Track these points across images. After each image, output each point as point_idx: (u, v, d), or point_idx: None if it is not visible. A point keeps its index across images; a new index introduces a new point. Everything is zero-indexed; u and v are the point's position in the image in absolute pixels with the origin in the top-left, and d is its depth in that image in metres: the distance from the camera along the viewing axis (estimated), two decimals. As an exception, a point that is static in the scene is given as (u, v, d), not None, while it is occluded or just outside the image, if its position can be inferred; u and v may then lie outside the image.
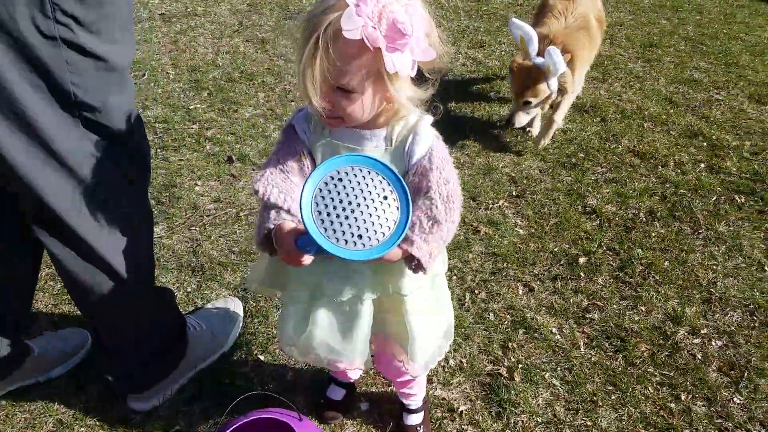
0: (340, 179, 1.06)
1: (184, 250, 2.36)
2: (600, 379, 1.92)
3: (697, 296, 2.21)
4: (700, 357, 1.98)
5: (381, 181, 1.08)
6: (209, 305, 2.08)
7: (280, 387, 1.87)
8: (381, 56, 1.10)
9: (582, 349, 2.01)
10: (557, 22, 2.99)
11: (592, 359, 1.98)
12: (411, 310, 1.38)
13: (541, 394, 1.87)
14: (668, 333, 2.06)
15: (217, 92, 3.47)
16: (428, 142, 1.22)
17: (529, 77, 2.83)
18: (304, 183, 1.06)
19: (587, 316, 2.13)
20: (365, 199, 1.06)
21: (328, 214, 1.04)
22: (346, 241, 1.04)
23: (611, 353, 2.00)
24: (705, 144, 3.12)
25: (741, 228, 2.54)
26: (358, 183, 1.07)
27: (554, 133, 3.06)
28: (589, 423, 1.79)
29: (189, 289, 2.19)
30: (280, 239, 1.19)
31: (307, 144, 1.29)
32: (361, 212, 1.04)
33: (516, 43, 2.86)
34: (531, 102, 2.90)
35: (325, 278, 1.35)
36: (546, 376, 1.93)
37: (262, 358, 1.95)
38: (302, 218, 1.04)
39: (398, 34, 1.13)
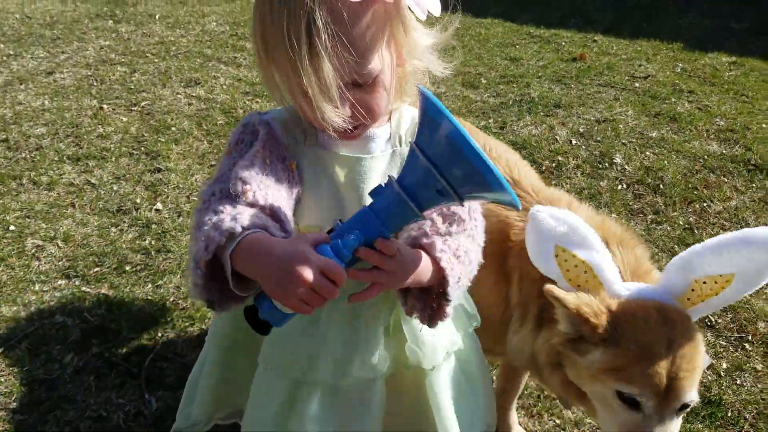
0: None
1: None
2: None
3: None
4: (619, 166, 2.97)
5: None
6: None
7: None
8: (392, 4, 0.85)
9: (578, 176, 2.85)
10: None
11: (583, 183, 2.80)
12: (436, 390, 1.07)
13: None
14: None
15: None
16: None
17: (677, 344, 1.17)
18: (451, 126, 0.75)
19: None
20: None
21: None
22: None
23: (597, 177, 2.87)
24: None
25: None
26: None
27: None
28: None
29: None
30: (274, 250, 0.77)
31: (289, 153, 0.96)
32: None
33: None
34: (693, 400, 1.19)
35: (321, 350, 1.00)
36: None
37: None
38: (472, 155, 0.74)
39: None
